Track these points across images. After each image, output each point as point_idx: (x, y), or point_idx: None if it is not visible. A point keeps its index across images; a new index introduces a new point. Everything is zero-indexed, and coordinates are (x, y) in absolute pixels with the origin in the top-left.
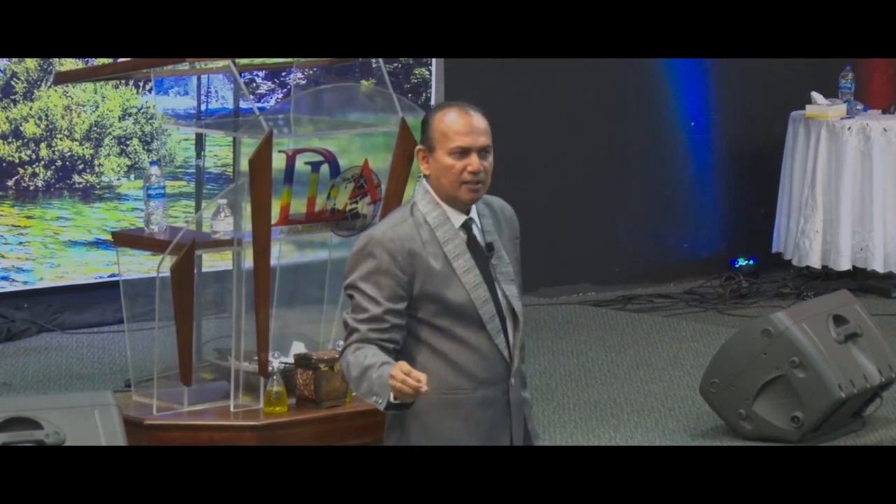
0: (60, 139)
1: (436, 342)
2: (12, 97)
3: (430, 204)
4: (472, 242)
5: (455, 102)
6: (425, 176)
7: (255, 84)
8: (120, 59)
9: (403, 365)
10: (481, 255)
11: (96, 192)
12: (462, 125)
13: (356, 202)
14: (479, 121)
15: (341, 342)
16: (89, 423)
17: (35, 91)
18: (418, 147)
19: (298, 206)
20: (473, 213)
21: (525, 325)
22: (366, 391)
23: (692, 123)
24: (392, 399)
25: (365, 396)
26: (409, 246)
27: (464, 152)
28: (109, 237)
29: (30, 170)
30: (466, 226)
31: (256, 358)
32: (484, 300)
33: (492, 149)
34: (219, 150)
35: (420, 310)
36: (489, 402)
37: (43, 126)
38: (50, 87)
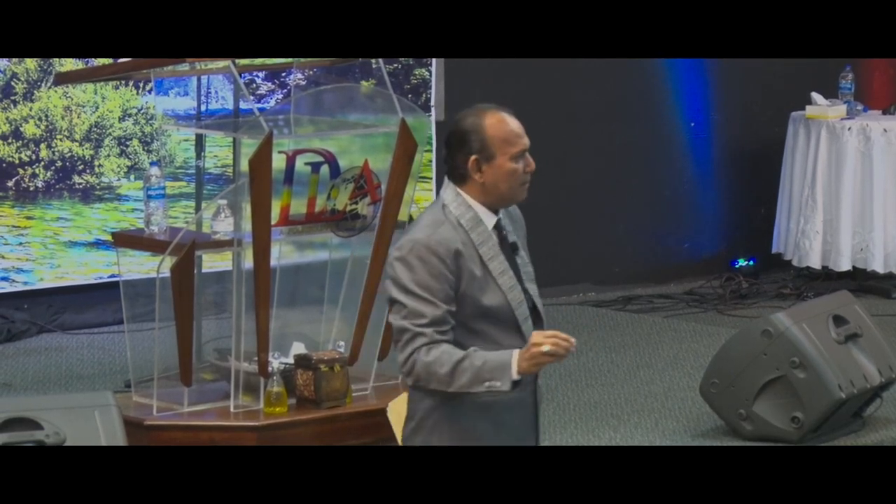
0: (60, 140)
1: (470, 344)
2: (12, 98)
3: (463, 206)
4: (503, 243)
5: (490, 106)
6: (463, 181)
7: (255, 85)
8: (120, 60)
9: (537, 334)
10: (510, 255)
11: (96, 192)
12: (517, 127)
13: (356, 203)
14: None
15: (342, 343)
16: (89, 423)
17: (35, 92)
18: (473, 157)
19: (298, 207)
20: (500, 214)
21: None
22: (470, 381)
23: (692, 124)
24: (515, 376)
25: (470, 386)
26: (454, 247)
27: (523, 154)
28: (109, 238)
29: (30, 170)
30: (497, 226)
31: (256, 358)
32: (519, 301)
33: None
34: (219, 151)
35: (458, 312)
36: (519, 404)
37: (43, 127)
38: (50, 87)
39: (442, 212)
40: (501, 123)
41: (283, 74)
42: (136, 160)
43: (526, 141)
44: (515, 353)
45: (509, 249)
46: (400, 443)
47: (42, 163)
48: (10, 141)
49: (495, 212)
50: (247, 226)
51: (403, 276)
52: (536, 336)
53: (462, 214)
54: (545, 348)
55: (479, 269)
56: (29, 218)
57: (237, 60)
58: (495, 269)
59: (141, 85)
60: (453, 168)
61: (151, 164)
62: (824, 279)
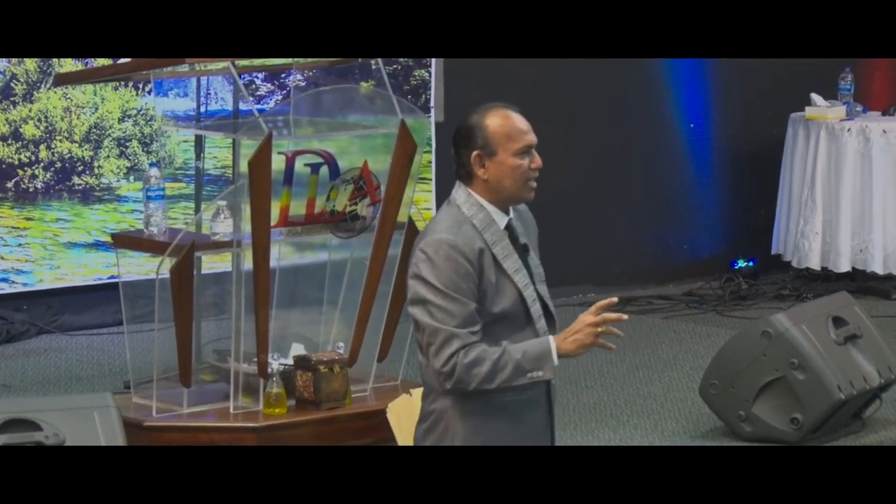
0: (60, 141)
1: (485, 342)
2: (12, 99)
3: (475, 206)
4: (515, 244)
5: (497, 104)
6: (470, 180)
7: (254, 86)
8: (119, 61)
9: (584, 316)
10: (522, 255)
11: (96, 193)
12: (522, 124)
13: (356, 204)
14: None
15: (341, 344)
16: (89, 424)
17: (34, 93)
18: (476, 153)
19: (298, 208)
20: (512, 214)
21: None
22: (512, 374)
23: (692, 125)
24: (556, 362)
25: (513, 380)
26: (478, 246)
27: (528, 151)
28: (109, 239)
29: (29, 171)
30: (509, 226)
31: (256, 359)
32: (533, 299)
33: None
34: (218, 152)
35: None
36: (534, 403)
37: (42, 128)
38: (49, 88)
39: (459, 211)
40: (504, 120)
41: (283, 76)
42: (136, 161)
43: (530, 137)
44: (551, 339)
45: (521, 249)
46: (399, 443)
47: (41, 164)
48: (9, 142)
49: (506, 212)
50: (246, 227)
51: (431, 276)
52: (584, 317)
53: (474, 215)
54: (593, 329)
55: (493, 269)
56: (28, 219)
57: (237, 62)
58: (510, 268)
59: (140, 86)
60: (460, 166)
61: (151, 165)
62: (824, 280)
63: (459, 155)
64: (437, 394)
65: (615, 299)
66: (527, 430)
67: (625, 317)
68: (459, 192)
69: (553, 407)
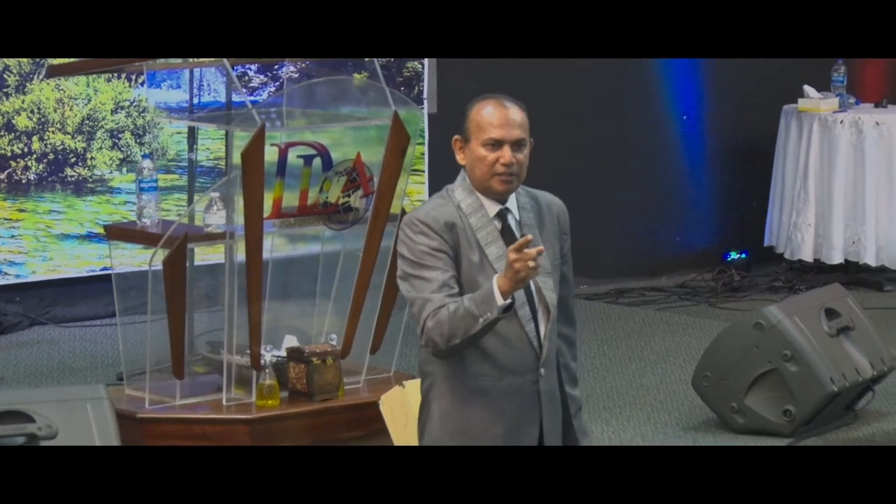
0: (52, 132)
1: None
2: (4, 90)
3: (466, 191)
4: (506, 232)
5: (494, 95)
6: (461, 165)
7: (247, 78)
8: None
9: (509, 251)
10: (511, 243)
11: (88, 185)
12: (497, 117)
13: (349, 195)
14: (514, 113)
15: (334, 335)
16: (81, 416)
17: (27, 84)
18: (455, 137)
19: (291, 200)
20: (511, 205)
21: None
22: (468, 325)
23: (684, 117)
24: (501, 300)
25: (471, 328)
26: (447, 220)
27: (496, 144)
28: (102, 230)
29: (22, 163)
30: (501, 215)
31: (249, 351)
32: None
33: (527, 142)
34: (211, 144)
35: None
36: (516, 391)
37: (35, 119)
38: (42, 80)
39: (447, 194)
40: (483, 109)
41: (276, 67)
42: (129, 153)
43: (502, 132)
44: (495, 278)
45: (512, 238)
46: (392, 434)
47: (34, 155)
48: (2, 133)
49: (500, 202)
50: (239, 218)
51: (406, 251)
52: (507, 255)
53: (463, 199)
54: (518, 264)
55: (476, 254)
56: (21, 210)
57: None
58: (492, 255)
59: (133, 77)
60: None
61: (144, 156)
62: (816, 272)
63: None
64: (426, 375)
65: (530, 237)
66: (506, 421)
67: (530, 237)
68: (459, 177)
69: (542, 397)
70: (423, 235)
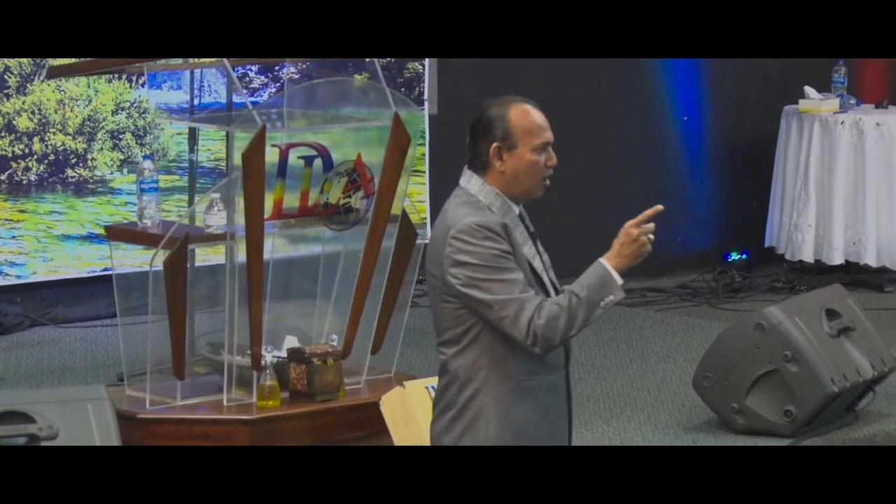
0: (53, 133)
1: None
2: (5, 91)
3: (491, 194)
4: (528, 231)
5: (518, 98)
6: (485, 171)
7: (248, 78)
8: None
9: (626, 230)
10: (535, 242)
11: (89, 186)
12: (541, 120)
13: (349, 196)
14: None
15: (335, 336)
16: (82, 417)
17: (28, 85)
18: (495, 144)
19: (291, 201)
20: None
21: None
22: (588, 312)
23: (685, 118)
24: (620, 280)
25: (590, 316)
26: (504, 224)
27: (545, 147)
28: (102, 231)
29: (23, 164)
30: (520, 215)
31: (249, 352)
32: (551, 284)
33: None
34: (212, 145)
35: None
36: (554, 388)
37: (36, 120)
38: (43, 81)
39: (469, 199)
40: (526, 114)
41: (277, 68)
42: (130, 154)
43: (549, 135)
44: (604, 262)
45: (533, 237)
46: (393, 435)
47: (35, 156)
48: (2, 134)
49: (516, 203)
50: (240, 219)
51: (474, 258)
52: (627, 231)
53: (492, 202)
54: (639, 238)
55: (520, 253)
56: (22, 211)
57: None
58: (528, 254)
59: (134, 78)
60: (475, 156)
61: (144, 157)
62: (817, 273)
63: (476, 145)
64: (466, 381)
65: (660, 207)
66: (551, 419)
67: (661, 208)
68: (473, 182)
69: (572, 394)
70: (490, 240)
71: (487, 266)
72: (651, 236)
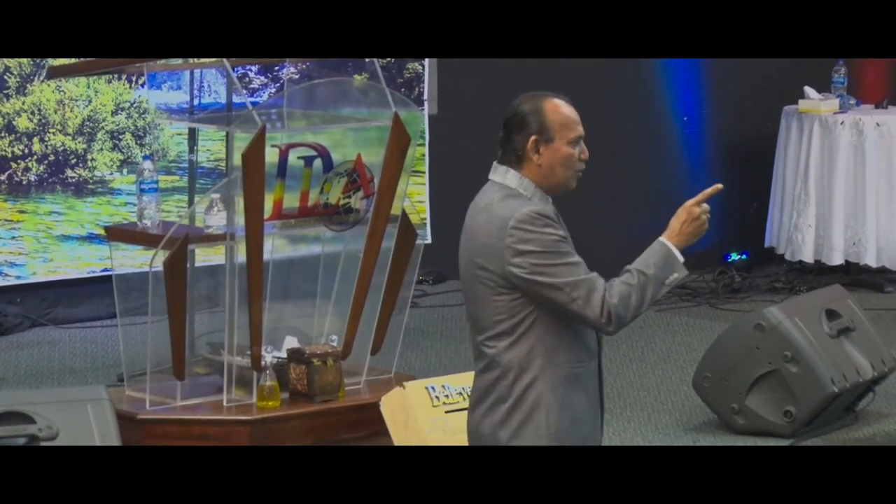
0: (53, 134)
1: (559, 315)
2: (5, 91)
3: (531, 187)
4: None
5: (550, 93)
6: (520, 164)
7: (247, 79)
8: None
9: (685, 209)
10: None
11: (89, 186)
12: (575, 114)
13: (349, 196)
14: None
15: (335, 336)
16: (82, 417)
17: (28, 85)
18: (533, 138)
19: (291, 201)
20: None
21: None
22: (655, 290)
23: (685, 118)
24: (681, 258)
25: (658, 293)
26: (556, 211)
27: (579, 141)
28: (102, 232)
29: (22, 164)
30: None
31: (249, 352)
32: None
33: None
34: (212, 145)
35: None
36: (594, 374)
37: (36, 120)
38: (42, 81)
39: (509, 192)
40: (561, 108)
41: (276, 68)
42: (129, 154)
43: (582, 129)
44: (665, 240)
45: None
46: (392, 435)
47: (35, 157)
48: (2, 135)
49: (550, 195)
50: (240, 220)
51: (538, 245)
52: (689, 209)
53: (533, 194)
54: (699, 216)
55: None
56: (21, 212)
57: None
58: (570, 243)
59: (134, 79)
60: (510, 150)
61: (144, 157)
62: (817, 273)
63: (511, 139)
64: (521, 372)
65: (720, 186)
66: (593, 403)
67: (720, 186)
68: (510, 176)
69: (603, 381)
70: (550, 227)
71: (551, 252)
72: (708, 215)
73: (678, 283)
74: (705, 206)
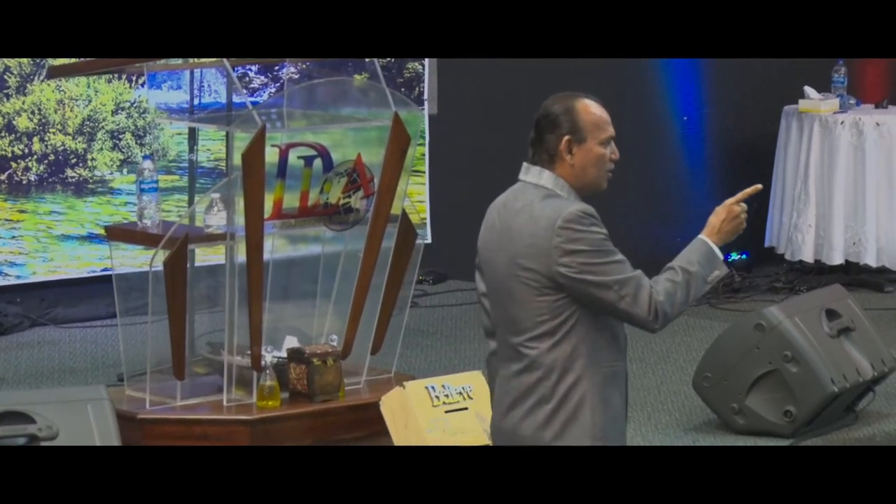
0: (53, 133)
1: (598, 315)
2: (5, 91)
3: (566, 187)
4: None
5: (580, 93)
6: (552, 164)
7: (248, 78)
8: None
9: (724, 208)
10: None
11: (89, 186)
12: (606, 115)
13: (349, 196)
14: None
15: (335, 336)
16: (82, 417)
17: (28, 85)
18: (566, 138)
19: (291, 201)
20: None
21: None
22: (699, 287)
23: (685, 118)
24: (721, 255)
25: (701, 290)
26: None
27: (610, 141)
28: (102, 231)
29: (22, 164)
30: None
31: (249, 352)
32: None
33: None
34: (212, 145)
35: None
36: (625, 372)
37: (36, 120)
38: (42, 81)
39: (552, 191)
40: (593, 108)
41: (277, 68)
42: (129, 154)
43: (612, 129)
44: (705, 238)
45: None
46: (392, 435)
47: (35, 156)
48: (2, 134)
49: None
50: (240, 220)
51: (586, 244)
52: (729, 208)
53: (569, 195)
54: (739, 215)
55: None
56: (21, 211)
57: None
58: None
59: (134, 78)
60: (542, 150)
61: (144, 157)
62: (817, 273)
63: (543, 140)
64: (564, 372)
65: (759, 186)
66: (624, 402)
67: (759, 186)
68: (545, 177)
69: (628, 379)
70: (595, 226)
71: (599, 251)
72: (746, 214)
73: (718, 280)
74: (744, 205)
